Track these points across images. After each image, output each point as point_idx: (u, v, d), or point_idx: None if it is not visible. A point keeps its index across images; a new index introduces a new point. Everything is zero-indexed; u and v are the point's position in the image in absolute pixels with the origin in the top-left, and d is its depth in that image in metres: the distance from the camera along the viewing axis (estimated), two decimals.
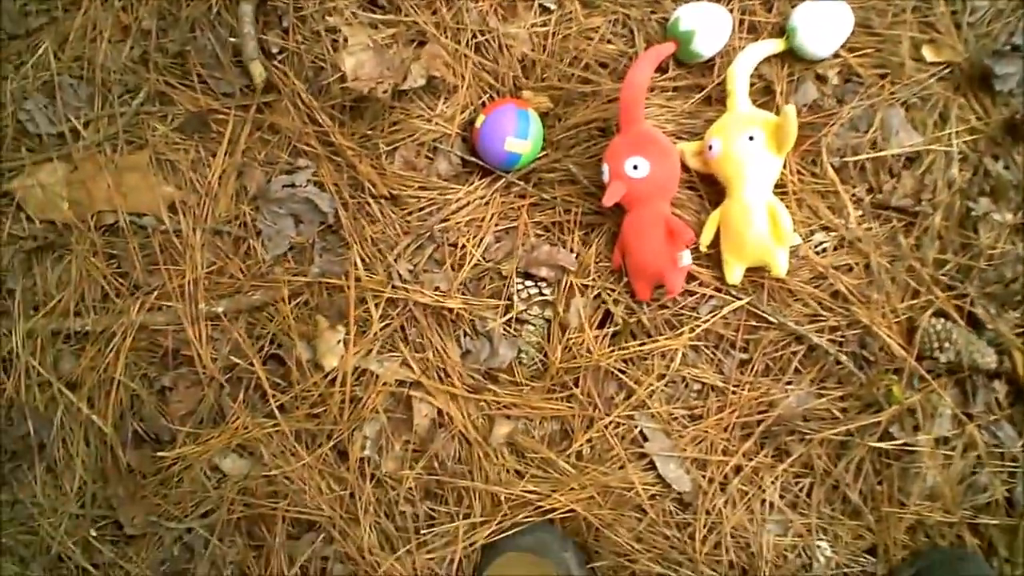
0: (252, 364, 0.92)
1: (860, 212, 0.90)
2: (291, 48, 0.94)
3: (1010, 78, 0.90)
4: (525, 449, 0.91)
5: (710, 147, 0.87)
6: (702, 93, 0.92)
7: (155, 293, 0.94)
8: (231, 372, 0.93)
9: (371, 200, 0.93)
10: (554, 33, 0.94)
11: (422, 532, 0.91)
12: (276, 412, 0.91)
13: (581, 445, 0.89)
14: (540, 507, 0.89)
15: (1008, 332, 0.88)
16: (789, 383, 0.89)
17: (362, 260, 0.92)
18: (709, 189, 0.91)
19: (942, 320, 0.88)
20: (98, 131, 0.97)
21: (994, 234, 0.90)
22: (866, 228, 0.90)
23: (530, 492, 0.89)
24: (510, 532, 0.89)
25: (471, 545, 0.89)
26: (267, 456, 0.92)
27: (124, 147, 0.97)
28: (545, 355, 0.92)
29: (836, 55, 0.91)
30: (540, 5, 0.95)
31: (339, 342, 0.90)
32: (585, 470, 0.89)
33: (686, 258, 0.86)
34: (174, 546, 0.94)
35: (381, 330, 0.91)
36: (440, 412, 0.91)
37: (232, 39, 0.95)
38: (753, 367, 0.89)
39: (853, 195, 0.91)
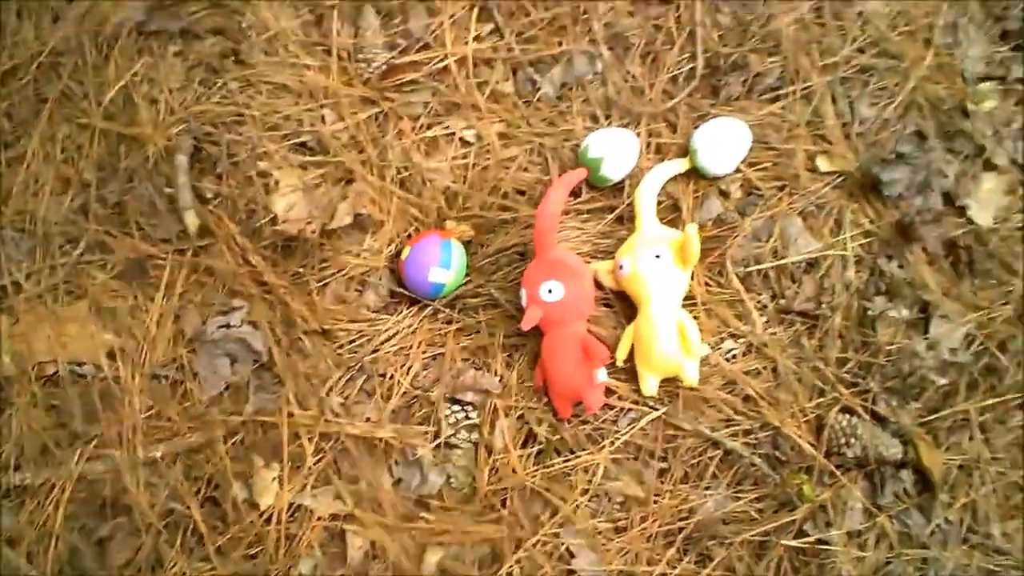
0: (189, 508, 0.92)
1: (765, 318, 0.96)
2: (225, 193, 1.00)
3: (897, 184, 0.98)
4: (456, 575, 0.92)
5: (620, 267, 0.92)
6: (613, 214, 0.99)
7: (94, 442, 0.95)
8: (169, 517, 0.93)
9: (303, 336, 0.97)
10: (474, 164, 1.01)
11: None
12: (212, 556, 0.91)
13: (511, 567, 0.90)
14: None
15: (910, 423, 0.92)
16: (707, 488, 0.92)
17: (295, 396, 0.95)
18: (624, 305, 0.96)
19: (848, 416, 0.93)
20: (39, 283, 1.00)
21: (891, 331, 0.95)
22: (771, 333, 0.95)
23: None
24: None
25: None
26: None
27: (64, 297, 1.00)
28: (474, 478, 0.94)
29: (738, 170, 0.99)
30: (460, 139, 1.02)
31: (274, 479, 0.92)
32: None
33: (601, 375, 0.90)
34: None
35: (315, 464, 0.93)
36: (373, 544, 0.92)
37: (168, 188, 1.00)
38: (672, 475, 0.92)
39: (758, 302, 0.96)
